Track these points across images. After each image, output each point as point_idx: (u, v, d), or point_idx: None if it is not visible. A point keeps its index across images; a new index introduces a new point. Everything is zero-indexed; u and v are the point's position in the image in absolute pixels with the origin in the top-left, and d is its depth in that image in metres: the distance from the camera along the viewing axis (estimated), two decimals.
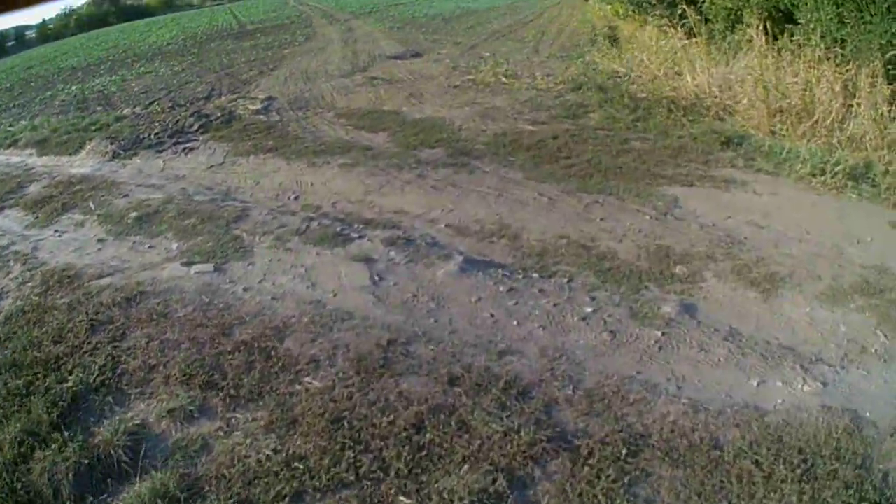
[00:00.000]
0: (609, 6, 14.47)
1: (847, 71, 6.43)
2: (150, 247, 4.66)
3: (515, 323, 3.32)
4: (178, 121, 8.75)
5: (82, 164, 7.48)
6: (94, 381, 3.08)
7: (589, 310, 3.38)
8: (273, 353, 3.18)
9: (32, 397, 2.99)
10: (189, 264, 4.17)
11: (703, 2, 8.99)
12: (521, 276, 3.78)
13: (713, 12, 8.77)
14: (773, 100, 6.64)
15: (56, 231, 5.34)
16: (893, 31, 6.11)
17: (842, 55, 6.55)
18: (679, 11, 9.04)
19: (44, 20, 53.55)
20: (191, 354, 3.20)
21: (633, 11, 12.00)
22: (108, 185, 6.38)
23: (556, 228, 4.37)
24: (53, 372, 3.19)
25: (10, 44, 49.59)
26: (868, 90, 6.04)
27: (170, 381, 3.02)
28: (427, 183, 5.36)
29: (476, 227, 4.48)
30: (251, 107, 9.16)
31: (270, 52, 15.41)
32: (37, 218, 5.78)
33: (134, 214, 5.29)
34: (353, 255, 4.10)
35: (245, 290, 3.81)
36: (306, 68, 12.20)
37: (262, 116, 8.56)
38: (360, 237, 4.39)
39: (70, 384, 3.06)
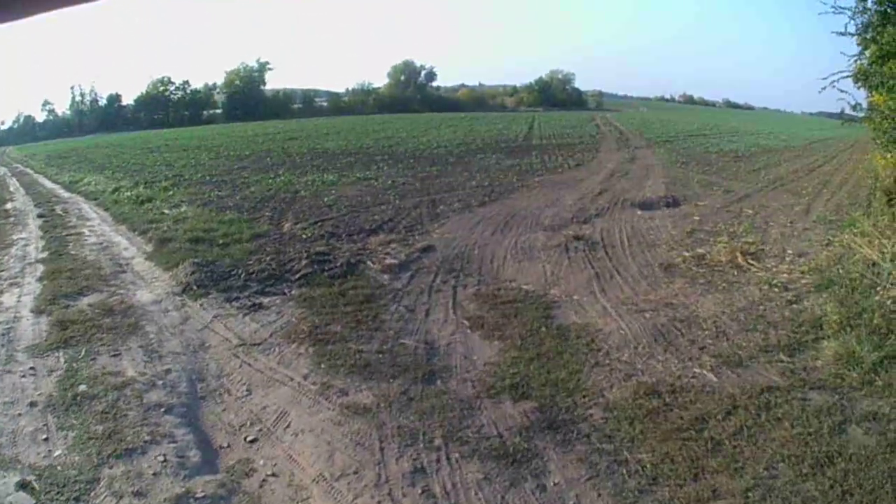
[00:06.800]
0: (889, 154, 10.56)
1: None
2: (44, 438, 4.14)
3: None
4: (290, 261, 7.89)
5: (153, 289, 7.29)
6: None
7: None
8: None
9: None
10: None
11: None
12: None
13: None
14: None
15: (30, 369, 5.15)
16: None
17: None
18: None
19: (346, 90, 55.13)
20: None
21: None
22: (131, 329, 6.00)
23: None
24: None
25: (296, 105, 52.36)
26: None
27: None
28: (420, 484, 3.60)
29: None
30: (391, 260, 7.87)
31: (517, 179, 14.70)
32: (46, 341, 5.70)
33: (82, 388, 4.82)
34: None
35: None
36: (523, 209, 11.00)
37: (385, 277, 7.27)
38: None
39: None
